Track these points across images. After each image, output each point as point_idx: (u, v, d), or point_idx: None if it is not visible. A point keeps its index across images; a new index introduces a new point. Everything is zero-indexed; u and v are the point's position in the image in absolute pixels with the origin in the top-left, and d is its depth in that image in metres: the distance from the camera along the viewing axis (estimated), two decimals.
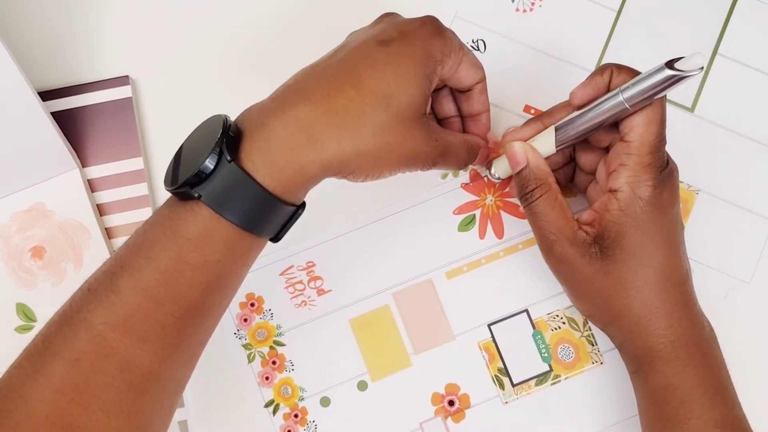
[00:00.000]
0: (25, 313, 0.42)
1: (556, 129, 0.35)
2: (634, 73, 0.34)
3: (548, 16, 0.44)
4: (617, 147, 0.35)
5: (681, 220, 0.35)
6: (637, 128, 0.33)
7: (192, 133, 0.33)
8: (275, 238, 0.32)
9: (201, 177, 0.29)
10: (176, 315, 0.30)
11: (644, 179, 0.33)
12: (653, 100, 0.33)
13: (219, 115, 0.31)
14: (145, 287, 0.29)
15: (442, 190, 0.42)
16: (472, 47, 0.44)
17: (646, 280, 0.34)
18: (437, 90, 0.38)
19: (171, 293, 0.30)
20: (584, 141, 0.37)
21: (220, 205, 0.30)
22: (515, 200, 0.42)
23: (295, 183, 0.30)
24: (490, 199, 0.42)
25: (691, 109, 0.43)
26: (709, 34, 0.44)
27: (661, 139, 0.34)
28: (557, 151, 0.36)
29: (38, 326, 0.42)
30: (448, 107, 0.39)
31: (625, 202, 0.34)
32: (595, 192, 0.38)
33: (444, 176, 0.42)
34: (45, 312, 0.42)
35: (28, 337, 0.41)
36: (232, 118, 0.32)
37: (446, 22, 0.44)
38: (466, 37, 0.44)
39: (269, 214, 0.30)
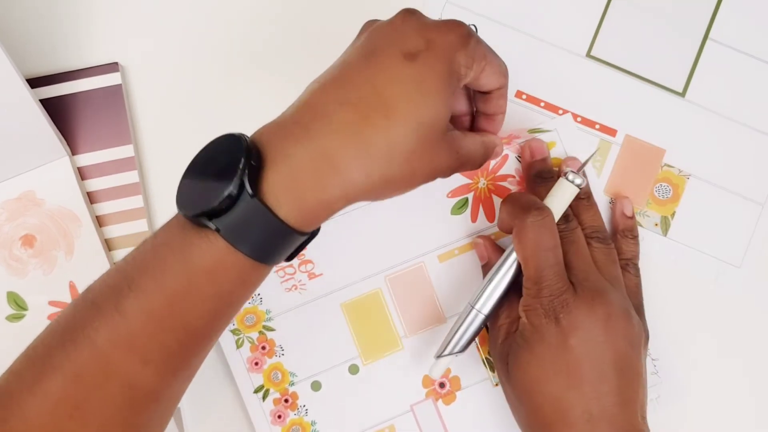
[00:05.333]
0: (16, 301, 0.42)
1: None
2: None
3: (541, 0, 0.44)
4: None
5: (594, 351, 0.34)
6: (522, 263, 0.36)
7: (207, 150, 0.31)
8: (286, 259, 0.32)
9: (221, 209, 0.28)
10: (182, 340, 0.30)
11: (534, 307, 0.35)
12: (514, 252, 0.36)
13: (238, 138, 0.29)
14: (152, 310, 0.29)
15: None
16: None
17: (536, 407, 0.35)
18: None
19: (179, 320, 0.29)
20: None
21: (238, 238, 0.29)
22: (506, 184, 0.42)
23: (317, 216, 0.30)
24: (482, 182, 0.42)
25: (682, 94, 0.43)
26: (701, 18, 0.44)
27: (539, 272, 0.35)
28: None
29: (29, 315, 0.42)
30: (461, 105, 0.38)
31: (521, 325, 0.35)
32: None
33: None
34: (36, 300, 0.42)
35: (20, 326, 0.41)
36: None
37: (437, 8, 0.44)
38: None
39: (286, 245, 0.30)
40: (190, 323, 0.30)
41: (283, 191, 0.29)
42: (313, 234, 0.31)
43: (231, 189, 0.28)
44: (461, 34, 0.32)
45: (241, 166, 0.28)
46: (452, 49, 0.31)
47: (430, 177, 0.32)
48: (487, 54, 0.33)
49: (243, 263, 0.29)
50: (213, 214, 0.28)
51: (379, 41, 0.32)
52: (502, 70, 0.35)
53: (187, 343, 0.30)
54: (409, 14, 0.33)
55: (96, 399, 0.29)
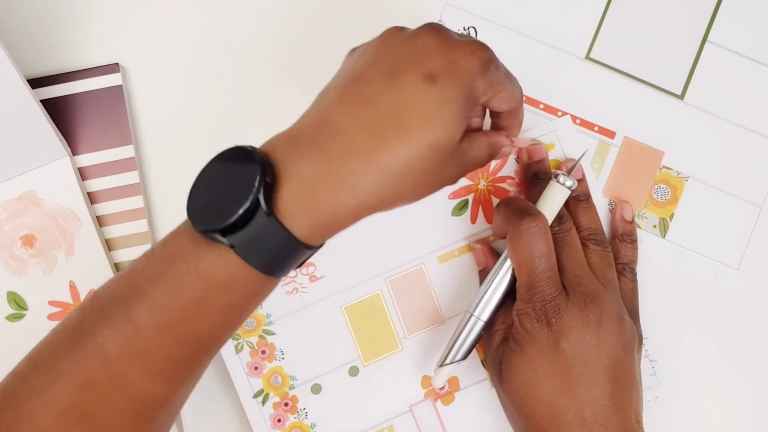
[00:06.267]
0: (16, 301, 0.42)
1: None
2: None
3: (540, 2, 0.44)
4: None
5: (586, 355, 0.34)
6: (515, 269, 0.36)
7: (217, 163, 0.30)
8: None
9: (235, 226, 0.28)
10: (192, 351, 0.30)
11: (527, 312, 0.35)
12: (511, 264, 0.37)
13: (251, 152, 0.29)
14: (164, 324, 0.29)
15: None
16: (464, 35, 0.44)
17: (529, 411, 0.35)
18: None
19: (191, 332, 0.30)
20: None
21: (251, 254, 0.29)
22: (506, 186, 0.42)
23: (328, 232, 0.30)
24: (482, 183, 0.42)
25: (681, 97, 0.44)
26: (699, 21, 0.44)
27: (532, 277, 0.35)
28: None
29: (29, 315, 0.42)
30: (474, 121, 0.37)
31: (514, 329, 0.36)
32: None
33: None
34: (36, 300, 0.42)
35: (20, 326, 0.41)
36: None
37: (437, 10, 0.44)
38: (457, 25, 0.44)
39: (296, 259, 0.30)
40: (201, 334, 0.30)
41: (298, 209, 0.29)
42: (320, 245, 0.31)
43: (246, 206, 0.28)
44: (483, 59, 0.31)
45: (256, 184, 0.28)
46: (473, 75, 0.31)
47: (438, 188, 0.32)
48: (504, 80, 0.33)
49: (254, 277, 0.29)
50: (227, 230, 0.28)
51: (401, 59, 0.31)
52: (516, 96, 0.34)
53: (196, 353, 0.30)
54: (434, 31, 0.31)
55: (105, 408, 0.29)
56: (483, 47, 0.31)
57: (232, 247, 0.28)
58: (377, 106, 0.30)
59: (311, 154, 0.29)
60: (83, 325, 0.30)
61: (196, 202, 0.30)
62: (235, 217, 0.28)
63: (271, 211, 0.28)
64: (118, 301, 0.30)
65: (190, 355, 0.30)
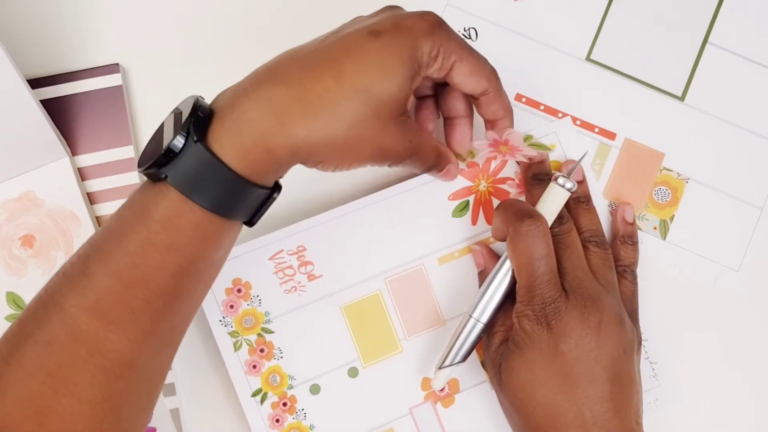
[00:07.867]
0: (15, 301, 0.42)
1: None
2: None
3: (541, 4, 0.44)
4: None
5: (586, 357, 0.34)
6: (515, 271, 0.36)
7: (168, 115, 0.32)
8: (250, 222, 0.32)
9: (169, 157, 0.29)
10: (147, 299, 0.30)
11: (527, 314, 0.35)
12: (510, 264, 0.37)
13: (191, 97, 0.31)
14: (115, 270, 0.29)
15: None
16: (464, 36, 0.44)
17: (529, 413, 0.34)
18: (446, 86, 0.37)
19: (140, 276, 0.30)
20: None
21: (188, 186, 0.29)
22: (506, 187, 0.42)
23: (263, 165, 0.30)
24: (483, 185, 0.42)
25: (681, 98, 0.44)
26: (700, 23, 0.44)
27: (532, 280, 0.35)
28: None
29: None
30: (456, 107, 0.38)
31: (513, 331, 0.35)
32: None
33: None
34: None
35: None
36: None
37: (438, 11, 0.44)
38: (457, 26, 0.44)
39: (239, 197, 0.30)
40: (152, 280, 0.30)
41: (227, 137, 0.29)
42: (272, 195, 0.31)
43: (177, 137, 0.29)
44: (430, 22, 0.32)
45: (187, 116, 0.29)
46: (418, 34, 0.32)
47: (378, 155, 0.33)
48: (459, 50, 0.33)
49: (198, 214, 0.30)
50: (164, 164, 0.29)
51: (351, 23, 0.33)
52: (483, 72, 0.34)
53: (152, 302, 0.30)
54: (389, 7, 0.34)
55: (68, 365, 0.29)
56: (431, 13, 0.33)
57: (165, 178, 0.29)
58: (318, 53, 0.31)
59: (246, 89, 0.31)
60: (47, 290, 0.30)
61: (145, 149, 0.31)
62: (166, 148, 0.29)
63: (200, 140, 0.29)
64: (78, 260, 0.30)
65: (146, 303, 0.30)
